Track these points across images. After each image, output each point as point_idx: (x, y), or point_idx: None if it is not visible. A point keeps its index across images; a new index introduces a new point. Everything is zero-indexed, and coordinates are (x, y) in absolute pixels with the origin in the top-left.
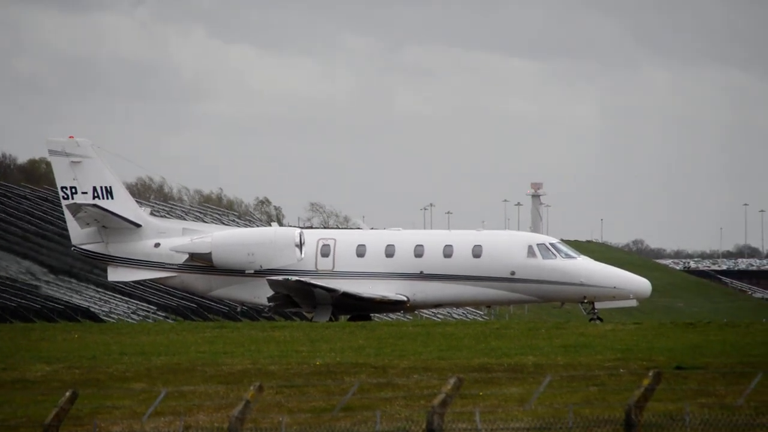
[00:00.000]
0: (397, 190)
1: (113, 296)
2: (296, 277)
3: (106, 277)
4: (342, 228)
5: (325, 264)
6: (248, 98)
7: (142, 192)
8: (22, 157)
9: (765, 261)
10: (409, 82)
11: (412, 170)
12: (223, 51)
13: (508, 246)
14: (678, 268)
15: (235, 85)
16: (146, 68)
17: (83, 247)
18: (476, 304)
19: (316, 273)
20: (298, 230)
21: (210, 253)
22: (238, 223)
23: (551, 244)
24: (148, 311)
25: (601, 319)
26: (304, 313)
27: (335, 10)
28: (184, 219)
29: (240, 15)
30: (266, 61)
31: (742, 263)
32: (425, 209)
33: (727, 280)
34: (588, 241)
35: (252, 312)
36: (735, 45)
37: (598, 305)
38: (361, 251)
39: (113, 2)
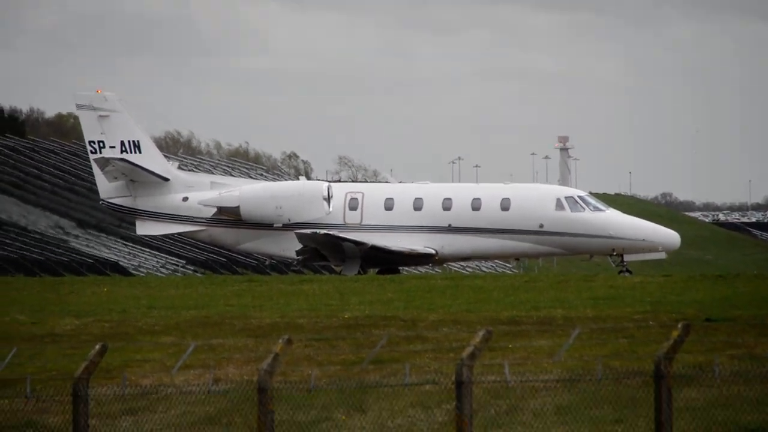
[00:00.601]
0: (425, 145)
1: (142, 250)
2: (324, 231)
3: (135, 231)
4: (370, 182)
5: (353, 217)
6: (272, 53)
7: (169, 146)
8: (50, 111)
9: None
10: (432, 37)
11: (441, 125)
12: (247, 6)
13: (536, 199)
14: (707, 220)
15: (258, 40)
16: (170, 23)
17: (111, 201)
18: (504, 257)
19: (344, 226)
20: (326, 184)
21: (238, 207)
22: (266, 177)
23: (579, 196)
24: (177, 265)
25: (630, 272)
26: (333, 267)
27: None
28: (212, 173)
29: None
30: (289, 16)
31: None
32: (453, 163)
33: (757, 232)
34: (616, 194)
35: (280, 265)
36: None
37: (627, 258)
38: (389, 204)
39: None
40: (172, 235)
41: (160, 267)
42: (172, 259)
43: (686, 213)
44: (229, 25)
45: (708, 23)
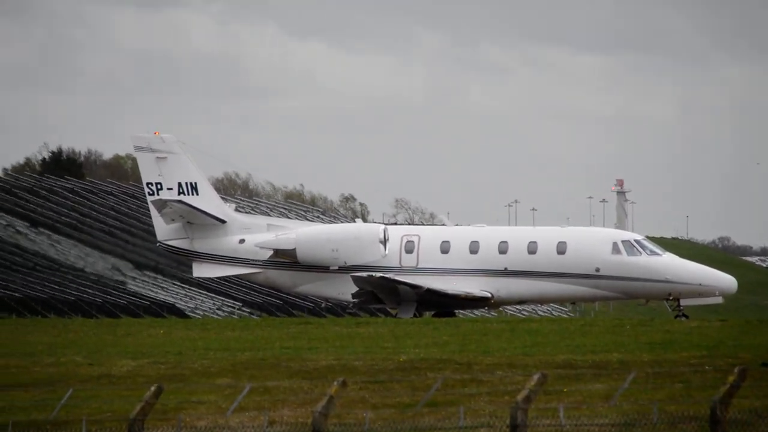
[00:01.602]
0: (481, 187)
1: (198, 292)
2: (380, 274)
3: (191, 273)
4: (427, 224)
5: (409, 260)
6: (323, 95)
7: (227, 188)
8: (108, 153)
9: None
10: (483, 79)
11: (496, 167)
12: (296, 47)
13: (593, 242)
14: (764, 265)
15: (308, 81)
16: (219, 65)
17: (168, 243)
18: (560, 300)
19: (400, 269)
20: (383, 226)
21: (294, 249)
22: (322, 219)
23: (636, 240)
24: (234, 307)
25: (686, 316)
26: (389, 309)
27: (405, 6)
28: (269, 215)
29: (312, 11)
30: (339, 57)
31: None
32: (509, 206)
33: None
34: (673, 238)
35: (336, 308)
36: None
37: (683, 302)
38: (445, 247)
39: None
40: (229, 277)
41: (217, 309)
42: (228, 301)
43: (743, 257)
44: (280, 66)
45: (759, 64)
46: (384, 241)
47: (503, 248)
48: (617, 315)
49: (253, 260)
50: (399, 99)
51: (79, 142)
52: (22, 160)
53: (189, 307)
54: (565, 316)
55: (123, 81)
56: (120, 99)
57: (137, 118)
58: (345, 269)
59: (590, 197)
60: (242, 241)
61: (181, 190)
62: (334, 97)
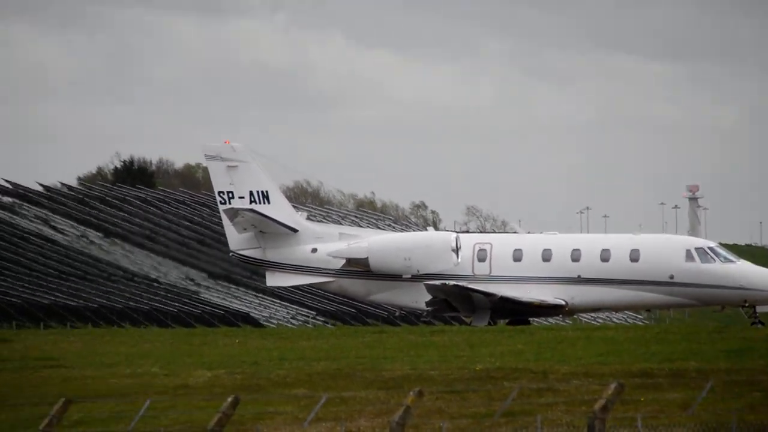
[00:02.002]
0: (552, 195)
1: (272, 301)
2: (454, 282)
3: (265, 282)
4: (498, 232)
5: (482, 268)
6: (389, 104)
7: (298, 196)
8: (179, 162)
9: None
10: (551, 86)
11: (567, 174)
12: (361, 57)
13: (666, 250)
14: None
15: (374, 91)
16: (285, 74)
17: (241, 252)
18: (635, 308)
19: (473, 277)
20: (455, 234)
21: (367, 258)
22: (393, 227)
23: (710, 247)
24: (308, 316)
25: (762, 323)
26: (463, 318)
27: (474, 15)
28: (341, 223)
29: (378, 20)
30: (406, 65)
31: None
32: (581, 213)
33: None
34: (747, 245)
35: (410, 316)
36: None
37: (759, 309)
38: (517, 255)
39: (251, 8)
40: (302, 286)
41: (291, 318)
42: (302, 310)
43: None
44: (345, 75)
45: None
46: (456, 249)
47: (576, 256)
48: (692, 322)
49: (325, 269)
50: (468, 107)
51: (150, 151)
52: (94, 170)
53: (263, 316)
54: (640, 323)
55: (191, 90)
56: (189, 108)
57: (207, 127)
58: (418, 278)
59: (662, 203)
60: (314, 250)
61: (252, 199)
62: (402, 106)
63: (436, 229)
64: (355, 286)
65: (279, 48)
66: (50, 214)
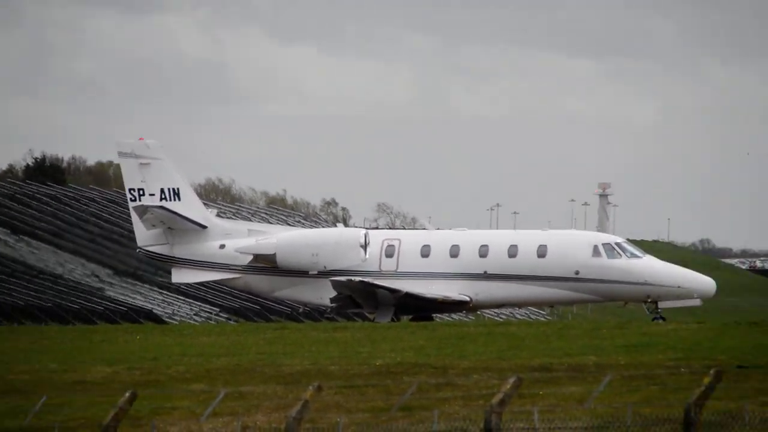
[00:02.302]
0: (463, 191)
1: (176, 298)
2: (359, 278)
3: (170, 279)
4: (409, 229)
5: (388, 264)
6: (304, 100)
7: (209, 193)
8: (91, 160)
9: None
10: (465, 83)
11: (478, 171)
12: (282, 52)
13: (573, 245)
14: (744, 267)
15: (294, 86)
16: (204, 70)
17: (148, 248)
18: (540, 304)
19: (379, 273)
20: (363, 231)
21: (274, 254)
22: (303, 224)
23: (616, 243)
24: (211, 313)
25: (663, 319)
26: (366, 314)
27: (393, 11)
28: (251, 220)
29: (298, 16)
30: (325, 61)
31: None
32: (492, 210)
33: None
34: (654, 241)
35: (314, 313)
36: None
37: (661, 304)
38: (425, 252)
39: (172, 4)
40: (208, 282)
41: (194, 315)
42: (206, 307)
43: (724, 260)
44: (264, 71)
45: (741, 71)
46: (364, 246)
47: (483, 252)
48: (595, 318)
49: (232, 265)
50: (381, 103)
51: (63, 149)
52: (5, 167)
53: (166, 313)
54: (542, 319)
55: (107, 87)
56: (104, 105)
57: (121, 124)
58: (324, 274)
59: (572, 200)
60: (222, 246)
61: (163, 196)
62: (316, 103)
63: (346, 225)
64: (260, 282)
65: (198, 44)
66: None
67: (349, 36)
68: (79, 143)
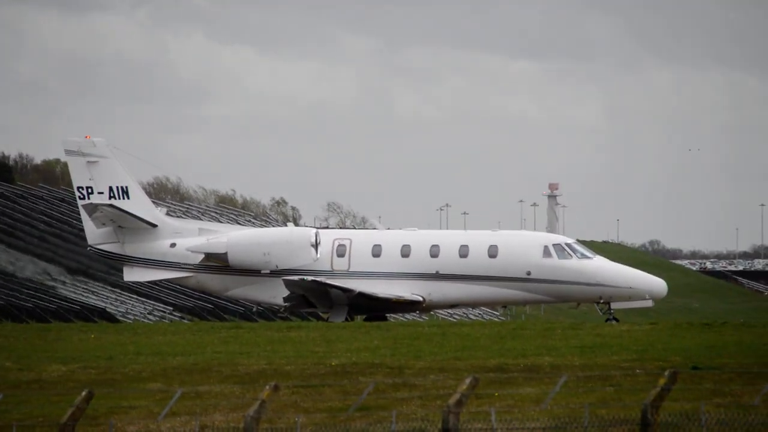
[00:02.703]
0: (413, 192)
1: (129, 297)
2: (312, 277)
3: (122, 277)
4: (359, 228)
5: (340, 264)
6: (251, 100)
7: (158, 192)
8: (39, 158)
9: None
10: (411, 84)
11: (428, 171)
12: (221, 53)
13: (524, 246)
14: (694, 268)
15: (235, 87)
16: (146, 69)
17: (99, 247)
18: (492, 304)
19: (331, 273)
20: (314, 230)
21: (226, 253)
22: (254, 223)
23: (567, 244)
24: (165, 311)
25: (617, 320)
26: (320, 314)
27: (334, 11)
28: (201, 219)
29: (238, 16)
30: (266, 62)
31: (759, 264)
32: (441, 210)
33: (744, 280)
34: (604, 242)
35: (268, 312)
36: (736, 46)
37: (614, 305)
38: (376, 251)
39: (112, 3)
40: (160, 281)
41: (148, 314)
42: (159, 306)
43: (674, 261)
44: (210, 72)
45: (685, 73)
46: (315, 245)
47: (435, 252)
48: (548, 318)
49: (184, 264)
50: (330, 103)
51: (9, 147)
52: None
53: (120, 311)
54: (496, 320)
55: (51, 85)
56: (49, 103)
57: (67, 122)
58: (276, 273)
59: (521, 201)
60: (173, 245)
61: (112, 194)
62: (263, 102)
63: (296, 225)
64: (213, 281)
65: (138, 43)
66: None
67: (289, 36)
68: (24, 142)
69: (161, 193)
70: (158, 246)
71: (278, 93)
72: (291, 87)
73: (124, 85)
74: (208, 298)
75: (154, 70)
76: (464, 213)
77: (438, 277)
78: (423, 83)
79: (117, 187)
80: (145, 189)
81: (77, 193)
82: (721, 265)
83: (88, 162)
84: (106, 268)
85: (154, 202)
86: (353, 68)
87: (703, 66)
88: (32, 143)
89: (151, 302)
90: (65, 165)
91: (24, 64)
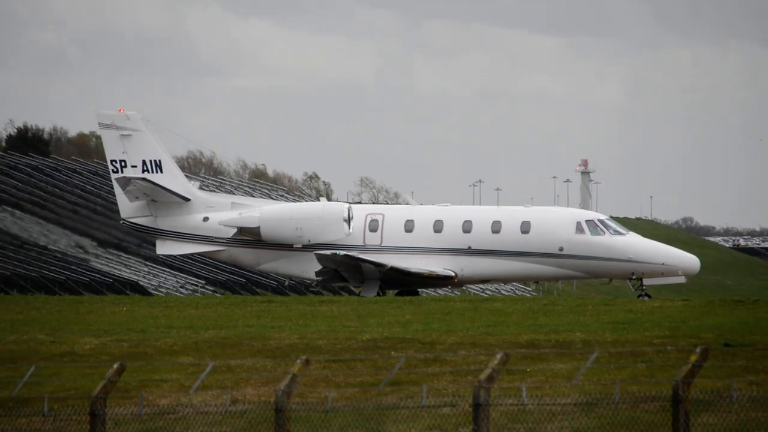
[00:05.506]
0: (446, 167)
1: (162, 270)
2: (344, 252)
3: (155, 250)
4: (391, 204)
5: (373, 239)
6: (282, 74)
7: (191, 166)
8: (73, 131)
9: None
10: (436, 60)
11: (461, 147)
12: (241, 26)
13: (557, 222)
14: (727, 245)
15: (258, 61)
16: (174, 43)
17: (132, 220)
18: (524, 279)
19: (363, 248)
20: (347, 205)
21: (258, 227)
22: (286, 198)
23: (600, 220)
24: (197, 285)
25: (649, 296)
26: (352, 288)
27: None
28: (233, 193)
29: None
30: (289, 36)
31: None
32: (474, 186)
33: None
34: (637, 219)
35: (300, 286)
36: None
37: (646, 282)
38: (409, 226)
39: None
40: (192, 255)
41: (180, 287)
42: (191, 279)
43: (707, 238)
44: (234, 45)
45: (703, 49)
46: (348, 220)
47: (467, 227)
48: (580, 294)
49: (216, 238)
50: (363, 79)
51: (45, 119)
52: None
53: (152, 284)
54: (528, 295)
55: (75, 59)
56: (73, 77)
57: (101, 96)
58: (309, 247)
59: (554, 177)
60: (206, 219)
61: (145, 168)
62: (296, 77)
63: (329, 199)
64: (245, 255)
65: (158, 16)
66: None
67: (309, 9)
68: (62, 115)
69: (195, 167)
70: (191, 220)
71: (301, 69)
72: (310, 61)
73: (152, 59)
74: (240, 272)
75: (178, 43)
76: (497, 189)
77: (470, 252)
78: (439, 60)
79: (150, 161)
80: (179, 163)
81: (110, 167)
82: (754, 242)
83: (122, 135)
84: (139, 241)
85: (187, 176)
86: (366, 43)
87: (737, 42)
88: (68, 117)
89: (183, 276)
90: (99, 138)
91: (46, 37)
